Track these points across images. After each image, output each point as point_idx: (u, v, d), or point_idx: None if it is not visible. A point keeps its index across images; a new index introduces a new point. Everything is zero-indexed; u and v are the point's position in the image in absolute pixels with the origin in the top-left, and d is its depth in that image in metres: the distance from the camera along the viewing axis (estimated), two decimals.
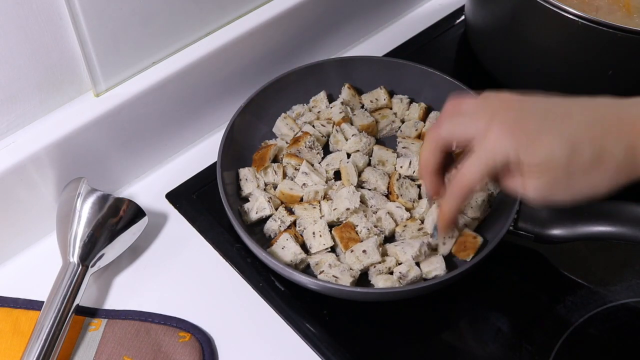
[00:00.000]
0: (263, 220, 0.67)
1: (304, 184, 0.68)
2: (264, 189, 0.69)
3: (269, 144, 0.72)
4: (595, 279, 0.66)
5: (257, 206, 0.67)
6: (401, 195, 0.67)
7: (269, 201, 0.67)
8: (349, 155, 0.71)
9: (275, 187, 0.70)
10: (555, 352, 0.61)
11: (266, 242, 0.66)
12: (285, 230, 0.65)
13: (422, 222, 0.66)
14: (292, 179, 0.70)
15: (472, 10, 0.81)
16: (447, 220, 0.56)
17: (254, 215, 0.67)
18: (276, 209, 0.67)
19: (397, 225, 0.66)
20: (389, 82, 0.77)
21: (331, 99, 0.77)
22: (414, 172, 0.68)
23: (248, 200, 0.69)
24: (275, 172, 0.70)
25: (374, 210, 0.67)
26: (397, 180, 0.67)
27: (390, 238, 0.66)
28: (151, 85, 0.67)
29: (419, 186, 0.68)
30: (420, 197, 0.68)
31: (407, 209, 0.66)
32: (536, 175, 0.48)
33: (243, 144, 0.72)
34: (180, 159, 0.76)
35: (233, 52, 0.72)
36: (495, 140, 0.49)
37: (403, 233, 0.65)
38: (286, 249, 0.63)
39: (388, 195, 0.68)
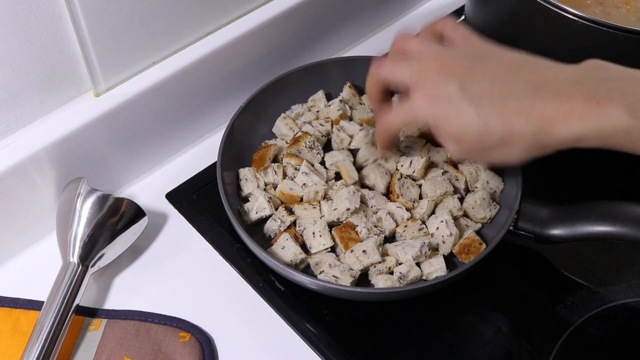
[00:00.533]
0: (263, 220, 0.67)
1: (304, 184, 0.68)
2: (264, 189, 0.69)
3: (269, 144, 0.72)
4: (595, 279, 0.66)
5: (257, 206, 0.67)
6: (402, 195, 0.67)
7: (269, 201, 0.67)
8: (354, 152, 0.71)
9: (275, 187, 0.70)
10: (555, 352, 0.61)
11: (266, 242, 0.66)
12: (285, 230, 0.65)
13: (423, 222, 0.66)
14: (292, 179, 0.70)
15: (472, 10, 0.81)
16: (380, 147, 0.66)
17: (254, 215, 0.67)
18: (276, 209, 0.67)
19: (397, 225, 0.66)
20: None
21: (330, 98, 0.77)
22: (415, 171, 0.68)
23: (248, 200, 0.69)
24: (275, 172, 0.70)
25: (374, 210, 0.67)
26: (399, 180, 0.67)
27: (390, 238, 0.66)
28: (151, 85, 0.67)
29: (419, 186, 0.68)
30: (420, 197, 0.68)
31: (408, 209, 0.66)
32: (453, 143, 0.54)
33: (243, 144, 0.72)
34: (180, 159, 0.76)
35: (233, 52, 0.72)
36: (420, 106, 0.54)
37: (404, 233, 0.65)
38: (286, 249, 0.63)
39: (388, 195, 0.68)
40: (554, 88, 0.51)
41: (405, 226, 0.65)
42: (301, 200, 0.68)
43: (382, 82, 0.60)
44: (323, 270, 0.62)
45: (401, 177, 0.68)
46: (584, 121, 0.49)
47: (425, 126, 0.67)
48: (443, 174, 0.69)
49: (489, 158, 0.55)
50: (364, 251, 0.62)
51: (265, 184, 0.70)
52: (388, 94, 0.62)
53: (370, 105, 0.62)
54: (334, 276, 0.61)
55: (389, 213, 0.66)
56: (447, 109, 0.53)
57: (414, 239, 0.64)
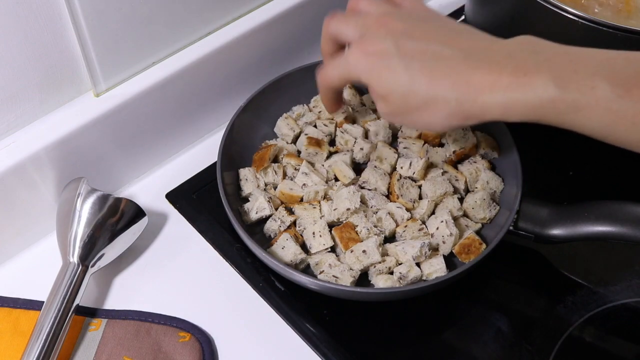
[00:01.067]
0: (263, 220, 0.67)
1: (304, 184, 0.68)
2: (264, 189, 0.69)
3: (269, 144, 0.72)
4: (595, 279, 0.66)
5: (257, 206, 0.67)
6: (401, 195, 0.67)
7: (268, 201, 0.67)
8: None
9: (275, 187, 0.70)
10: (555, 352, 0.61)
11: (266, 242, 0.66)
12: (285, 230, 0.65)
13: (423, 222, 0.66)
14: (292, 179, 0.70)
15: (472, 10, 0.81)
16: (326, 108, 0.65)
17: (254, 215, 0.67)
18: (276, 209, 0.67)
19: (397, 225, 0.66)
20: None
21: None
22: (414, 173, 0.68)
23: (248, 200, 0.69)
24: (275, 172, 0.70)
25: (374, 210, 0.67)
26: (398, 180, 0.67)
27: (390, 238, 0.66)
28: (151, 85, 0.67)
29: (419, 187, 0.68)
30: (420, 197, 0.68)
31: (408, 210, 0.66)
32: (381, 102, 0.55)
33: (243, 144, 0.72)
34: (180, 159, 0.76)
35: (233, 52, 0.72)
36: (354, 59, 0.55)
37: (404, 233, 0.65)
38: (286, 249, 0.63)
39: (388, 196, 0.68)
40: (485, 58, 0.51)
41: (405, 226, 0.65)
42: (301, 200, 0.68)
43: (331, 37, 0.60)
44: (323, 270, 0.62)
45: (400, 177, 0.68)
46: (510, 91, 0.49)
47: (359, 83, 0.66)
48: (443, 174, 0.69)
49: (414, 121, 0.55)
50: (364, 251, 0.62)
51: (265, 184, 0.70)
52: (340, 51, 0.62)
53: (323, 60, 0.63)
54: (334, 276, 0.61)
55: (389, 213, 0.66)
56: (378, 64, 0.53)
57: (414, 239, 0.64)
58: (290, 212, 0.67)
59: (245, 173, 0.70)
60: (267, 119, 0.74)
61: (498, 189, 0.69)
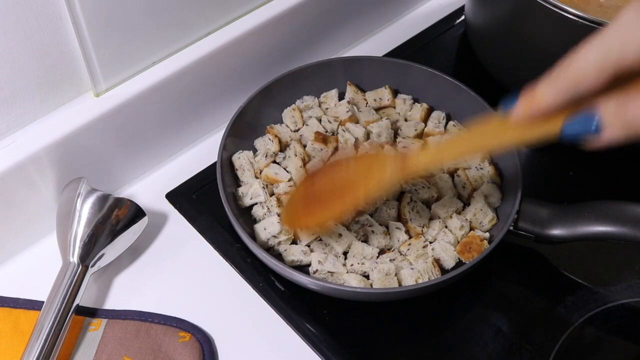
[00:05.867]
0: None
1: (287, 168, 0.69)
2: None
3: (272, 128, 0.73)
4: (595, 279, 0.66)
5: (252, 192, 0.67)
6: (411, 219, 0.65)
7: (264, 188, 0.67)
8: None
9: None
10: (555, 352, 0.61)
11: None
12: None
13: (428, 241, 0.65)
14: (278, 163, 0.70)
15: (472, 10, 0.81)
16: (539, 107, 0.42)
17: (247, 201, 0.67)
18: (271, 196, 0.67)
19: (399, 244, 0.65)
20: (393, 82, 0.77)
21: (340, 98, 0.77)
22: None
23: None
24: (270, 140, 0.71)
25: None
26: (408, 203, 0.66)
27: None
28: (151, 85, 0.67)
29: (429, 208, 0.67)
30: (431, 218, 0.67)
31: (417, 234, 0.65)
32: None
33: (243, 145, 0.72)
34: (180, 159, 0.76)
35: (233, 52, 0.72)
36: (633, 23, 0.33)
37: (407, 251, 0.64)
38: (267, 227, 0.64)
39: (399, 219, 0.67)
40: None
41: (409, 244, 0.64)
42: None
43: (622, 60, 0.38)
44: (317, 270, 0.62)
45: (411, 200, 0.66)
46: None
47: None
48: (454, 178, 0.68)
49: None
50: (363, 258, 0.62)
51: (260, 171, 0.70)
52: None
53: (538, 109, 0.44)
54: (329, 272, 0.61)
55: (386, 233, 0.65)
56: None
57: (418, 257, 0.63)
58: (281, 203, 0.67)
59: (241, 163, 0.69)
60: (267, 119, 0.74)
61: (495, 204, 0.68)
